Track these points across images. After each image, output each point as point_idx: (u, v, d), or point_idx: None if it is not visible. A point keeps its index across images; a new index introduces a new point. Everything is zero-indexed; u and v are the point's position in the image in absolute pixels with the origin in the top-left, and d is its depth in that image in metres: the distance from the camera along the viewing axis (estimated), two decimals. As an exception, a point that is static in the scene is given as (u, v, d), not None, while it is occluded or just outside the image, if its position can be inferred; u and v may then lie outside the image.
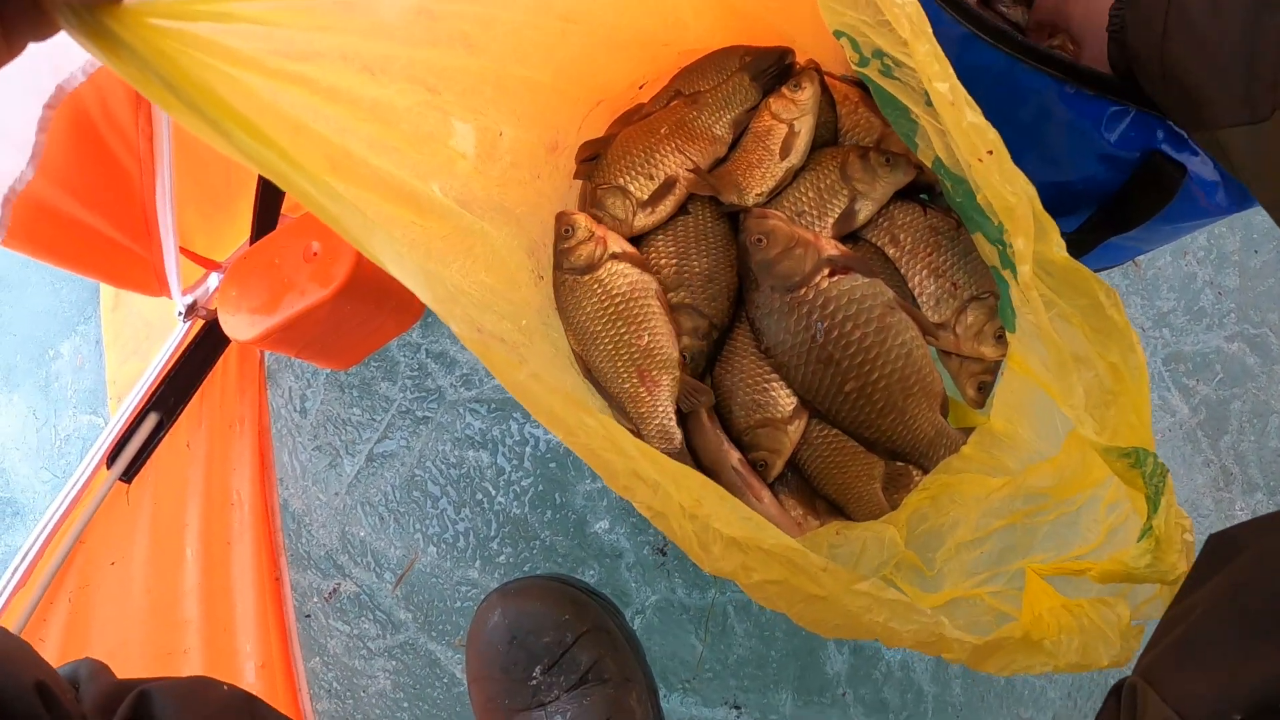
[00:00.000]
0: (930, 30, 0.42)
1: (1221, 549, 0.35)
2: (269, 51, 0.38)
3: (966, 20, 0.49)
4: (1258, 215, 0.92)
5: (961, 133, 0.42)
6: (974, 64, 0.51)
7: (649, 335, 0.58)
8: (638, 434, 0.58)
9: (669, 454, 0.56)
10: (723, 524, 0.40)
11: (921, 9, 0.42)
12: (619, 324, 0.58)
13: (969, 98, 0.42)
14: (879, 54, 0.48)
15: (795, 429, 0.59)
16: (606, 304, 0.58)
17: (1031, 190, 0.42)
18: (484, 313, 0.50)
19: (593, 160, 0.64)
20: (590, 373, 0.60)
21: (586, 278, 0.59)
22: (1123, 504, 0.47)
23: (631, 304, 0.58)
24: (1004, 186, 0.41)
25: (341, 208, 0.32)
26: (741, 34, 0.65)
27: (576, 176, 0.65)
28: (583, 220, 0.60)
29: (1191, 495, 0.84)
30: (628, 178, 0.61)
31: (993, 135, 0.42)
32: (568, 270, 0.60)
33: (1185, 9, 0.39)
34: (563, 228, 0.60)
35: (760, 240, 0.57)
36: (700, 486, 0.42)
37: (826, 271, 0.56)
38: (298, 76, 0.40)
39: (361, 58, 0.46)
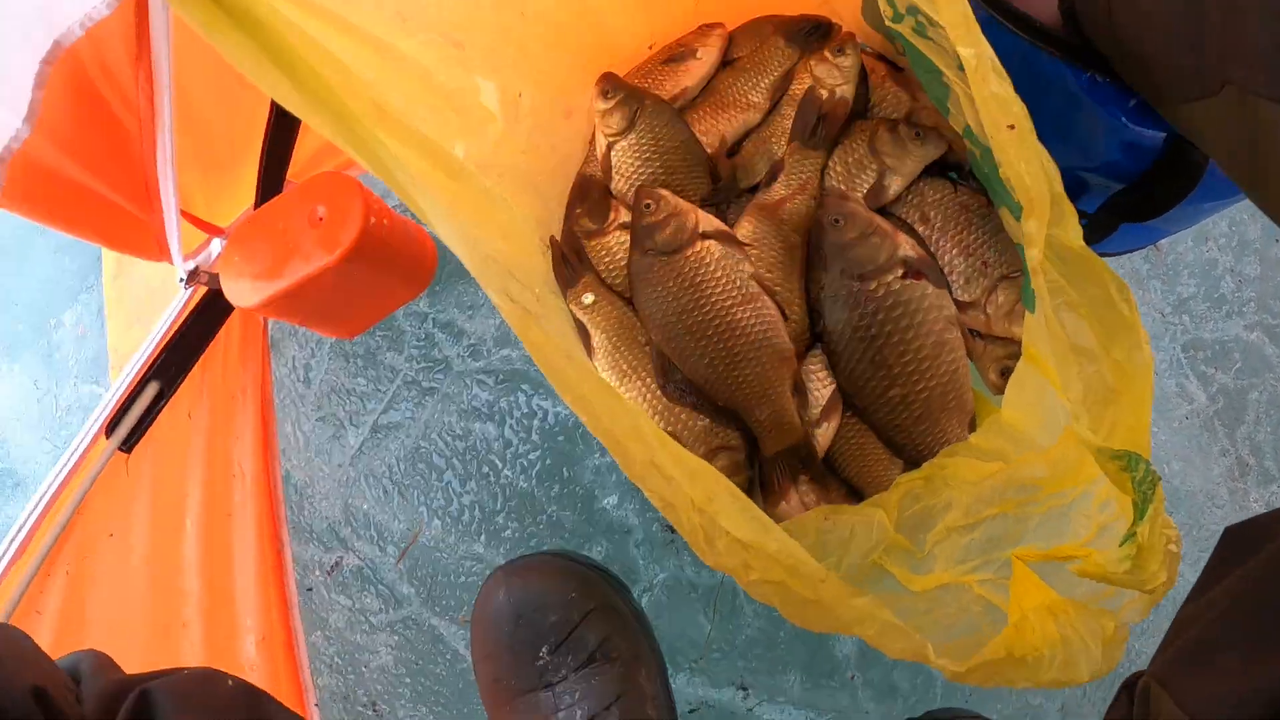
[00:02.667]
0: None
1: (1240, 543, 0.33)
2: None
3: (987, 4, 0.47)
4: None
5: (984, 102, 0.40)
6: (998, 48, 0.50)
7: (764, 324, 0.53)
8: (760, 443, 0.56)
9: (799, 447, 0.54)
10: (730, 523, 0.39)
11: None
12: (723, 311, 0.52)
13: (998, 66, 0.40)
14: (913, 10, 0.46)
15: (825, 432, 0.56)
16: (709, 295, 0.52)
17: (1053, 171, 0.40)
18: (508, 281, 0.49)
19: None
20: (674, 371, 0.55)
21: (676, 260, 0.53)
22: (1115, 502, 0.46)
23: (733, 288, 0.52)
24: (1021, 165, 0.40)
25: (393, 163, 0.32)
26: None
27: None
28: (668, 195, 0.54)
29: (1207, 485, 0.82)
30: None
31: (1018, 109, 0.40)
32: (650, 250, 0.53)
33: None
34: (643, 202, 0.54)
35: (838, 221, 0.54)
36: (714, 483, 0.41)
37: (900, 272, 0.53)
38: (337, 18, 0.39)
39: (394, 2, 0.45)
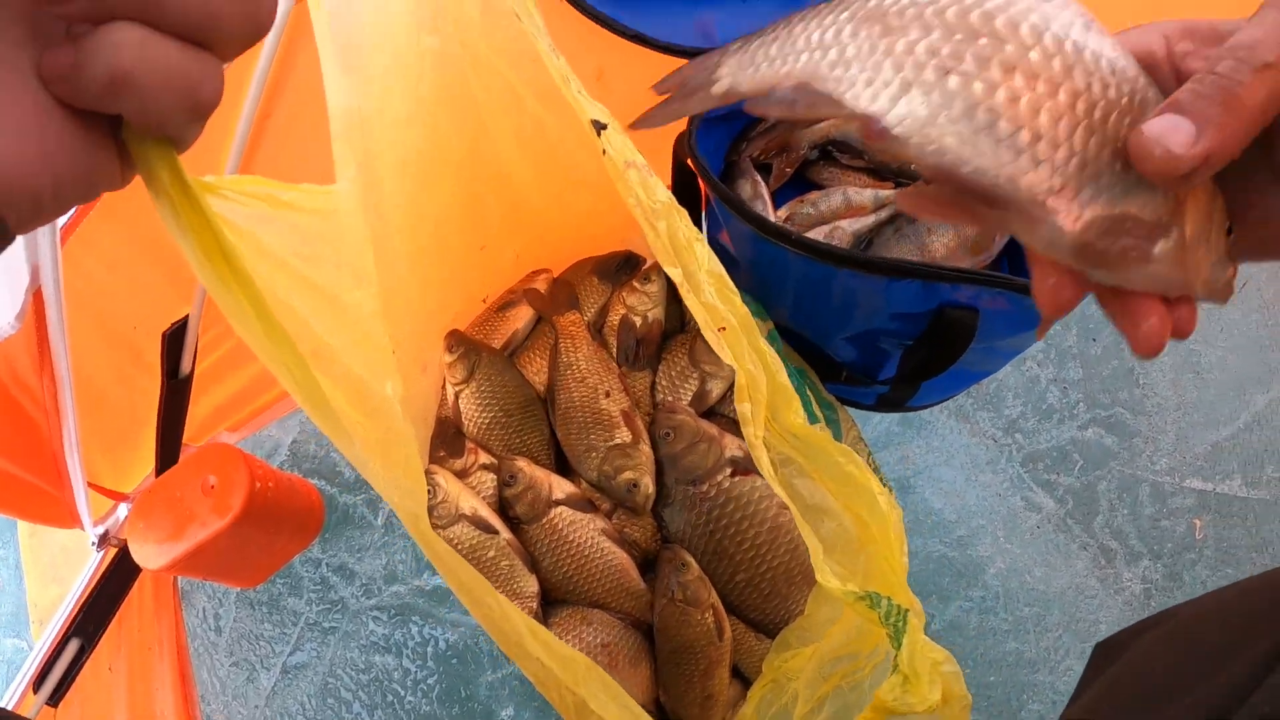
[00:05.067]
0: (665, 224, 0.45)
1: (1106, 654, 0.39)
2: (290, 252, 0.43)
3: (748, 221, 0.55)
4: (1090, 305, 1.02)
5: (696, 311, 0.45)
6: (769, 254, 0.57)
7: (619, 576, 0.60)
8: None
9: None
10: (599, 707, 0.43)
11: (653, 203, 0.45)
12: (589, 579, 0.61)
13: (713, 275, 0.45)
14: None
15: None
16: (564, 556, 0.60)
17: (775, 364, 0.45)
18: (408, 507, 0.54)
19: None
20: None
21: (534, 528, 0.61)
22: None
23: (585, 547, 0.60)
24: (731, 360, 0.44)
25: (325, 408, 0.36)
26: (564, 228, 0.71)
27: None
28: (525, 468, 0.61)
29: (1075, 580, 0.89)
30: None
31: (730, 317, 0.45)
32: (513, 519, 0.62)
33: None
34: (505, 475, 0.62)
35: (667, 434, 0.61)
36: (586, 670, 0.45)
37: (729, 471, 0.60)
38: (303, 277, 0.46)
39: (352, 266, 0.51)
